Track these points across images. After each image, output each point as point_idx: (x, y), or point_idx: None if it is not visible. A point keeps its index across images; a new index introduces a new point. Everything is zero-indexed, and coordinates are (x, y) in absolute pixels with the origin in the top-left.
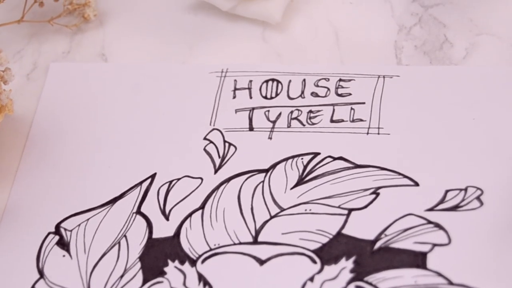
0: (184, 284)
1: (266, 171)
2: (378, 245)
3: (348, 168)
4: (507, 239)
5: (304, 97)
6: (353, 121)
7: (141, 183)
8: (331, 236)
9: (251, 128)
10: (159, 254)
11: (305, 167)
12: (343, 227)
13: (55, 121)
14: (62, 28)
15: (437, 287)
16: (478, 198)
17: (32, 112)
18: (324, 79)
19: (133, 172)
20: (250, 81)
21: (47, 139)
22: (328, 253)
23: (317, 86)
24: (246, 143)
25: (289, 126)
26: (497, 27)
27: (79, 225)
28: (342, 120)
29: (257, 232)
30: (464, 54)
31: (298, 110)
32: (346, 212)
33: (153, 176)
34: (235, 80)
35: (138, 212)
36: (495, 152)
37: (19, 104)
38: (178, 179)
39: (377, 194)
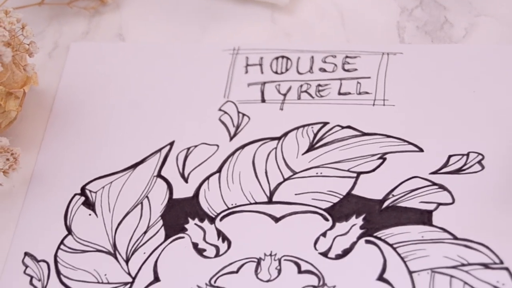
0: (204, 239)
1: (278, 138)
2: (386, 204)
3: (356, 136)
4: (506, 199)
5: (312, 72)
6: (359, 93)
7: (160, 149)
8: (341, 196)
9: (263, 100)
10: (180, 212)
11: (315, 135)
12: (352, 188)
13: (77, 94)
14: (81, 10)
15: (442, 241)
16: (479, 162)
17: (54, 87)
18: (331, 56)
19: (153, 140)
20: (261, 58)
21: (70, 111)
22: (339, 211)
23: (325, 62)
24: (259, 114)
25: (299, 98)
26: (495, 8)
27: (103, 187)
28: (349, 93)
29: (272, 193)
30: (463, 34)
31: (307, 84)
32: (355, 175)
33: (171, 144)
34: (247, 57)
35: (159, 175)
36: (494, 120)
37: (43, 80)
38: (195, 146)
39: (384, 159)
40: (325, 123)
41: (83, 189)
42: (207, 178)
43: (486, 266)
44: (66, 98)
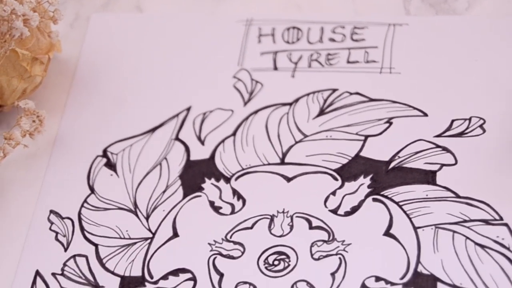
0: (220, 197)
1: (290, 104)
2: (392, 165)
3: (364, 102)
4: (505, 160)
5: (322, 42)
6: (367, 62)
7: (178, 114)
8: (350, 158)
9: (275, 68)
10: (197, 173)
11: (325, 100)
12: (360, 150)
13: (98, 62)
14: None
15: (445, 200)
16: (481, 126)
17: (76, 55)
18: (340, 26)
19: (171, 106)
20: (273, 28)
21: (91, 78)
22: (348, 171)
23: (334, 33)
24: (271, 81)
25: (309, 67)
26: None
27: (123, 149)
28: (357, 61)
29: (284, 154)
30: (466, 6)
31: (317, 53)
32: (363, 138)
33: (188, 109)
34: (260, 28)
35: (177, 138)
36: (495, 87)
37: (65, 49)
38: (211, 111)
39: (390, 123)
40: (334, 90)
41: (104, 151)
42: (223, 141)
43: (486, 222)
44: (87, 66)
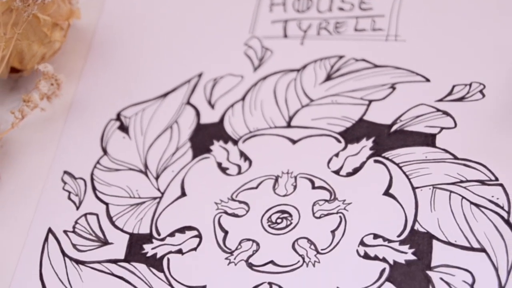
0: (228, 159)
1: (297, 70)
2: (394, 128)
3: (369, 68)
4: (503, 124)
5: (331, 11)
6: (373, 30)
7: (189, 80)
8: (354, 122)
9: (285, 36)
10: (206, 136)
11: (331, 67)
12: (364, 114)
13: (115, 30)
14: None
15: (444, 161)
16: (481, 91)
17: (94, 23)
18: None
19: (183, 72)
20: None
21: (108, 45)
22: (351, 134)
23: (343, 2)
24: (281, 48)
25: (318, 34)
26: None
27: (136, 113)
28: (364, 30)
29: (290, 118)
30: None
31: (326, 21)
32: (367, 102)
33: (200, 75)
34: None
35: (188, 103)
36: (495, 54)
37: (83, 15)
38: (222, 77)
39: (394, 88)
40: (341, 56)
41: (118, 115)
42: (232, 105)
43: (482, 182)
44: (104, 33)
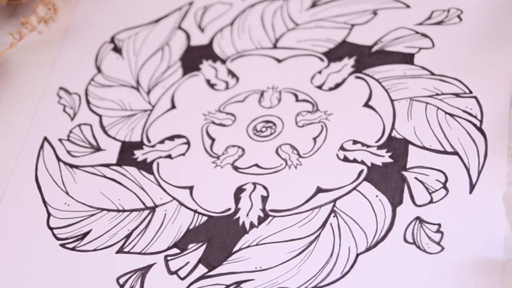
0: (216, 76)
1: None
2: (375, 48)
3: None
4: (478, 45)
5: None
6: None
7: (181, 7)
8: (337, 43)
9: None
10: (196, 56)
11: None
12: (347, 36)
13: None
14: None
15: (421, 77)
16: (458, 16)
17: None
18: None
19: (175, 0)
20: None
21: None
22: (334, 54)
23: None
24: None
25: None
26: None
27: (129, 36)
28: None
29: (276, 40)
30: None
31: None
32: (349, 26)
33: (190, 3)
34: None
35: (179, 27)
36: None
37: None
38: (212, 5)
39: (375, 14)
40: None
41: (112, 38)
42: (221, 29)
43: (457, 95)
44: None
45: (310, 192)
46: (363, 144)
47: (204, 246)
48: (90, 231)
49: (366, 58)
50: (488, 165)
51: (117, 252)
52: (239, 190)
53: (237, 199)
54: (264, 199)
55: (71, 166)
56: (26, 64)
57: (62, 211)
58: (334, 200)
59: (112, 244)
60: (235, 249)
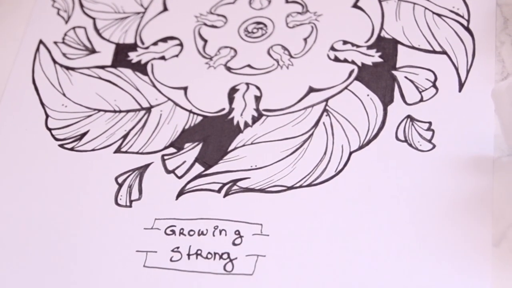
0: None
1: None
2: None
3: None
4: None
5: None
6: None
7: None
8: None
9: None
10: None
11: None
12: None
13: None
14: None
15: None
16: None
17: None
18: None
19: None
20: None
21: None
22: None
23: None
24: None
25: None
26: None
27: None
28: None
29: None
30: None
31: None
32: None
33: None
34: None
35: None
36: None
37: None
38: None
39: None
40: None
41: None
42: None
43: None
44: None
45: (303, 92)
46: (353, 44)
47: (200, 146)
48: (87, 131)
49: None
50: (476, 64)
51: (115, 152)
52: (233, 90)
53: (231, 99)
54: (258, 99)
55: (67, 68)
56: None
57: (60, 112)
58: (326, 100)
59: (110, 144)
60: (230, 148)
